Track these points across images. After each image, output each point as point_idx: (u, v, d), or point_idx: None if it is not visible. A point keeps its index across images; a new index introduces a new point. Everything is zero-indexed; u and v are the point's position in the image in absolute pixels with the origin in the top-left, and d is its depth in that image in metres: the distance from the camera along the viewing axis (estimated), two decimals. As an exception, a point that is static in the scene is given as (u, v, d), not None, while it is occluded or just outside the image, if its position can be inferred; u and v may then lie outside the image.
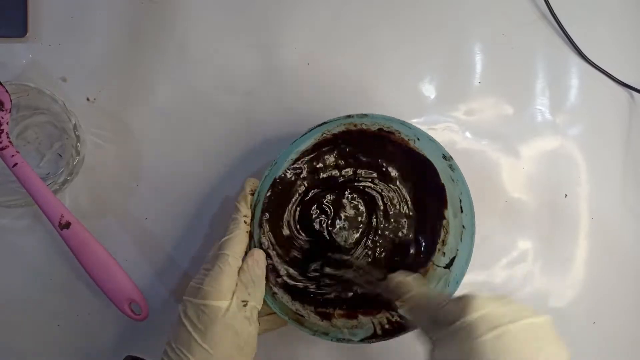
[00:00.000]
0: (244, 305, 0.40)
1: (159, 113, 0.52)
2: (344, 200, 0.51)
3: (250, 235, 0.44)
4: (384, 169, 0.51)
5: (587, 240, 0.56)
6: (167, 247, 0.52)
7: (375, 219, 0.52)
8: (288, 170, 0.49)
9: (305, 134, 0.45)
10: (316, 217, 0.51)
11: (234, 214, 0.43)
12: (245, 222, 0.43)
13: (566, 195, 0.56)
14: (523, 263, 0.55)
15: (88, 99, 0.52)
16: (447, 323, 0.33)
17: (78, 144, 0.47)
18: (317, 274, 0.50)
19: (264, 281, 0.43)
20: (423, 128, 0.54)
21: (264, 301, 0.43)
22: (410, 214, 0.52)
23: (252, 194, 0.44)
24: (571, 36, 0.56)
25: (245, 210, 0.43)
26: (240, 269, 0.42)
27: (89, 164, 0.51)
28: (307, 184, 0.50)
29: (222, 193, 0.52)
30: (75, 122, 0.47)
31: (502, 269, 0.55)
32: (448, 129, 0.55)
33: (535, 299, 0.55)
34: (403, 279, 0.41)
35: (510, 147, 0.56)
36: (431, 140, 0.46)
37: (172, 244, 0.52)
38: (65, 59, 0.52)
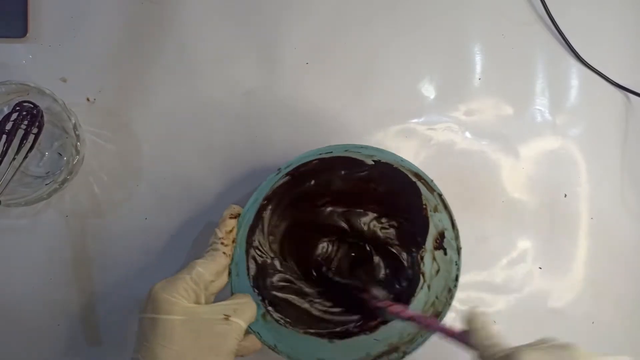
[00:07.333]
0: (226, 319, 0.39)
1: (159, 113, 0.52)
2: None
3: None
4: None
5: (586, 240, 0.56)
6: (167, 247, 0.52)
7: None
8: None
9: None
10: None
11: (212, 237, 0.44)
12: (222, 243, 0.43)
13: (566, 195, 0.56)
14: (523, 263, 0.55)
15: (88, 99, 0.52)
16: None
17: (78, 143, 0.47)
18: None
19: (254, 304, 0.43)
20: (423, 128, 0.55)
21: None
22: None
23: (232, 218, 0.44)
24: (568, 38, 0.56)
25: (220, 234, 0.43)
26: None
27: (89, 163, 0.51)
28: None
29: (222, 193, 0.52)
30: (75, 121, 0.47)
31: (502, 269, 0.55)
32: (448, 129, 0.55)
33: (535, 299, 0.55)
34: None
35: (510, 147, 0.56)
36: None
37: (172, 245, 0.52)
38: (65, 59, 0.51)
